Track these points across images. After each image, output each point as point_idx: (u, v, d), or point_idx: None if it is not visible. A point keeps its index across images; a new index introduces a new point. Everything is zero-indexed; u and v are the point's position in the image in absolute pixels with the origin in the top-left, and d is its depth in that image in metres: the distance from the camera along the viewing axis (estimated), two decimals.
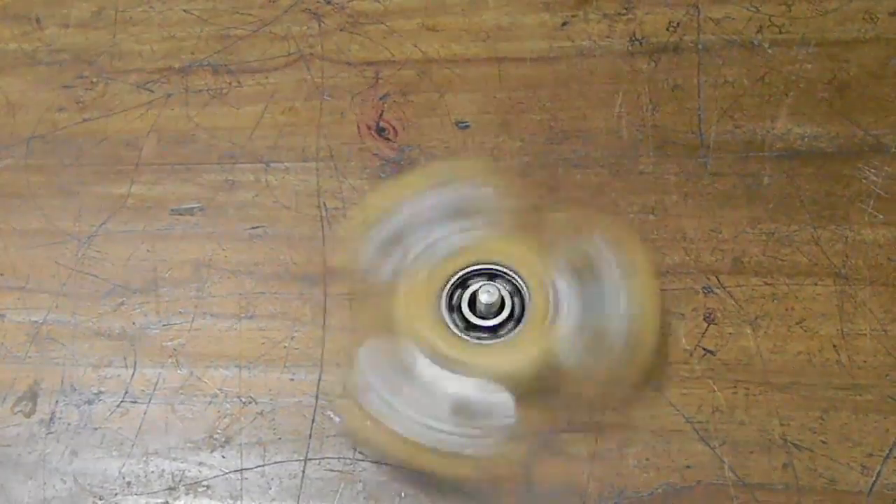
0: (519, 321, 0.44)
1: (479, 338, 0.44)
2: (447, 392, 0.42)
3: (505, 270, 0.45)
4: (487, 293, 0.43)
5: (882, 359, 0.45)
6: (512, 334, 0.44)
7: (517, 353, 0.43)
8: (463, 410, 0.42)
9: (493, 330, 0.44)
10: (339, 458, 0.45)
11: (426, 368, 0.42)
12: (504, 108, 0.52)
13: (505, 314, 0.44)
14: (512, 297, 0.44)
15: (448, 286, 0.44)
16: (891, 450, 0.43)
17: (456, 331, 0.44)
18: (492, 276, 0.45)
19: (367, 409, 0.42)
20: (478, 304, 0.44)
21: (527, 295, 0.44)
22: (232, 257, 0.49)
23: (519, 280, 0.44)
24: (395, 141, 0.51)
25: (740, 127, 0.50)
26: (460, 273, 0.45)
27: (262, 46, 0.55)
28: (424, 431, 0.41)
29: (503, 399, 0.42)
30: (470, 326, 0.44)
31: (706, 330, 0.46)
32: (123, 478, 0.45)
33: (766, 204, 0.48)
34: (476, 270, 0.45)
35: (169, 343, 0.48)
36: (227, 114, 0.53)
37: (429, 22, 0.54)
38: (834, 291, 0.46)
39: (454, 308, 0.44)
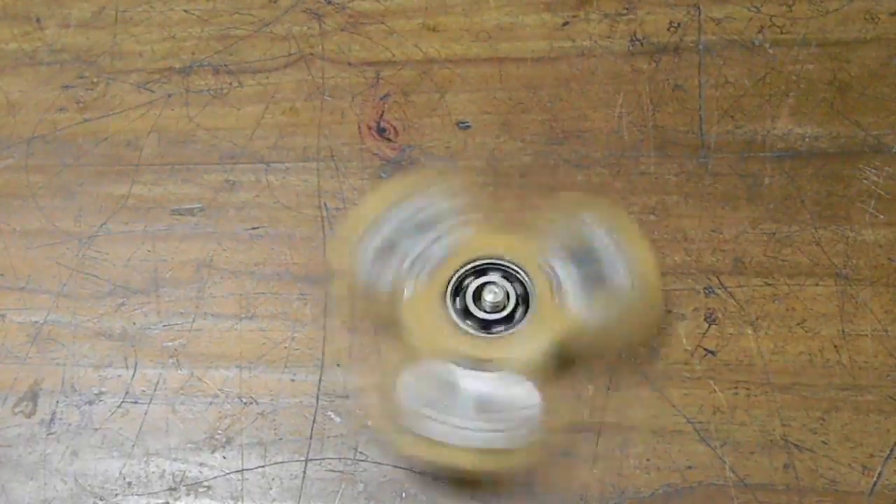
0: (527, 309, 0.44)
1: (493, 332, 0.44)
2: (471, 391, 0.42)
3: (500, 263, 0.45)
4: (493, 293, 0.43)
5: (883, 359, 0.45)
6: (526, 320, 0.44)
7: (541, 333, 0.43)
8: (486, 407, 0.42)
9: (506, 321, 0.44)
10: (339, 458, 0.45)
11: (462, 377, 0.42)
12: (505, 108, 0.52)
13: (511, 305, 0.44)
14: (514, 287, 0.44)
15: (449, 292, 0.44)
16: (892, 450, 0.43)
17: (472, 331, 0.44)
18: (483, 272, 0.45)
19: (413, 431, 0.41)
20: (483, 303, 0.44)
21: (528, 283, 0.44)
22: (232, 257, 0.49)
23: (516, 268, 0.44)
24: (396, 141, 0.51)
25: (741, 127, 0.50)
26: (457, 274, 0.45)
27: (262, 47, 0.55)
28: (458, 433, 0.41)
29: (525, 389, 0.42)
30: (482, 323, 0.44)
31: (707, 330, 0.46)
32: (124, 478, 0.45)
33: (767, 204, 0.48)
34: (469, 270, 0.45)
35: (169, 343, 0.48)
36: (227, 114, 0.53)
37: (429, 22, 0.54)
38: (835, 292, 0.46)
39: (462, 311, 0.44)
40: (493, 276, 0.44)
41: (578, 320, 0.43)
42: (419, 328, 0.43)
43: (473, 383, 0.42)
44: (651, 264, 0.44)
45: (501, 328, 0.44)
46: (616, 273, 0.43)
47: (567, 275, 0.44)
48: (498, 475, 0.43)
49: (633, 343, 0.45)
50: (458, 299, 0.44)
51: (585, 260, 0.44)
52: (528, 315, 0.44)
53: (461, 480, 0.44)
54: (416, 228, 0.44)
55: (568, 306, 0.43)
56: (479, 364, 0.42)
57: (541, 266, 0.44)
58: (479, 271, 0.45)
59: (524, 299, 0.44)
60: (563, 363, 0.44)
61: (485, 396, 0.42)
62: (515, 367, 0.42)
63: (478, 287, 0.44)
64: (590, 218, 0.45)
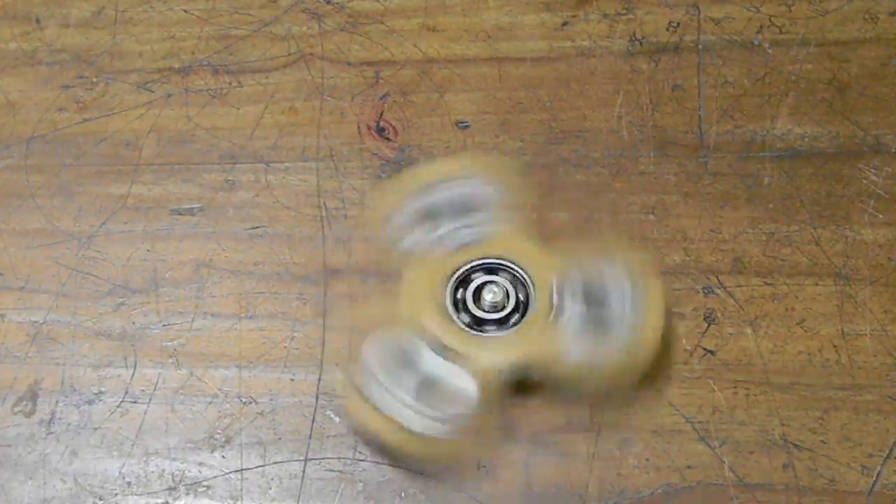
0: (523, 315, 0.44)
1: (483, 331, 0.44)
2: (423, 373, 0.43)
3: (508, 265, 0.45)
4: (493, 293, 0.43)
5: (882, 359, 0.45)
6: (515, 328, 0.44)
7: (519, 347, 0.43)
8: (429, 391, 0.42)
9: (499, 322, 0.44)
10: (339, 458, 0.45)
11: (428, 359, 0.43)
12: (504, 108, 0.52)
13: (509, 308, 0.44)
14: (516, 292, 0.44)
15: (452, 282, 0.44)
16: (891, 450, 0.43)
17: (460, 324, 0.44)
18: (493, 270, 0.45)
19: (369, 399, 0.42)
20: (483, 302, 0.44)
21: (531, 289, 0.44)
22: (232, 257, 0.49)
23: (524, 275, 0.44)
24: (396, 141, 0.51)
25: (740, 127, 0.50)
26: (464, 268, 0.45)
27: (262, 46, 0.55)
28: (395, 406, 0.42)
29: (469, 389, 0.42)
30: (475, 321, 0.44)
31: (706, 330, 0.46)
32: (123, 478, 0.45)
33: (767, 204, 0.48)
34: (479, 265, 0.45)
35: (169, 343, 0.48)
36: (227, 114, 0.53)
37: (429, 22, 0.54)
38: (834, 291, 0.46)
39: (459, 304, 0.44)
40: (500, 278, 0.44)
41: (560, 352, 0.43)
42: (410, 297, 0.44)
43: (430, 367, 0.42)
44: (657, 328, 0.43)
45: (492, 328, 0.44)
46: (619, 327, 0.43)
47: (571, 306, 0.43)
48: (414, 459, 0.43)
49: (601, 391, 0.44)
50: (459, 290, 0.44)
51: (595, 301, 0.43)
52: (515, 328, 0.44)
53: (459, 480, 0.44)
54: (457, 207, 0.45)
55: (557, 335, 0.43)
56: (445, 352, 0.43)
57: (551, 286, 0.43)
58: (490, 269, 0.45)
59: (523, 309, 0.44)
60: (524, 387, 0.44)
61: (433, 382, 0.42)
62: (476, 368, 0.42)
63: (480, 284, 0.44)
64: (620, 263, 0.44)
